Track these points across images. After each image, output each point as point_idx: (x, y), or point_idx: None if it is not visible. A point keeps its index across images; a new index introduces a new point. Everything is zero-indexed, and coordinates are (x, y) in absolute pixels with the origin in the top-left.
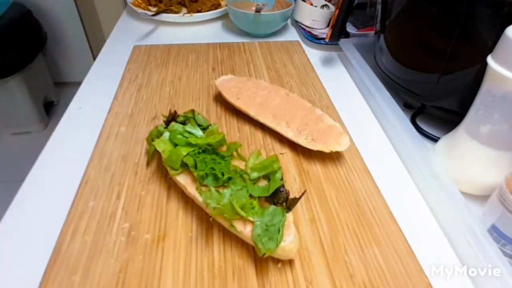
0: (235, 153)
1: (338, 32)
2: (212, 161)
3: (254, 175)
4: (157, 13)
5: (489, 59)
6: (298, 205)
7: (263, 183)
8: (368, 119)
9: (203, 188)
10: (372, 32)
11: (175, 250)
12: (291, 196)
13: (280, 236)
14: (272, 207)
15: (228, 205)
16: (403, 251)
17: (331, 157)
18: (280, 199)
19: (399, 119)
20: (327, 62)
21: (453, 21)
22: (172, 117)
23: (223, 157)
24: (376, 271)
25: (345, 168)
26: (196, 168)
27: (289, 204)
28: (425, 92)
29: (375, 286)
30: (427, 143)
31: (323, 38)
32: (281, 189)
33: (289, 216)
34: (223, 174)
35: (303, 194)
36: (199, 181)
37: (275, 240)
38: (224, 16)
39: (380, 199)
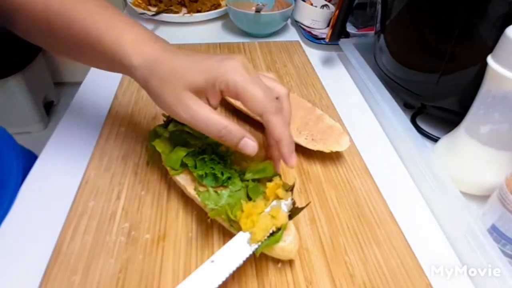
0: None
1: (338, 32)
2: (211, 161)
3: (249, 176)
4: (157, 13)
5: (489, 59)
6: None
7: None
8: (368, 119)
9: (201, 188)
10: (372, 32)
11: (175, 250)
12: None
13: (279, 236)
14: None
15: (226, 206)
16: (403, 251)
17: (331, 157)
18: None
19: (399, 119)
20: (327, 62)
21: (453, 21)
22: (172, 117)
23: (223, 157)
24: (376, 271)
25: (345, 168)
26: (196, 168)
27: (291, 212)
28: (425, 92)
29: (375, 286)
30: (427, 143)
31: (323, 38)
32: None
33: None
34: (222, 174)
35: (306, 205)
36: (198, 181)
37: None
38: (224, 16)
39: (380, 199)
